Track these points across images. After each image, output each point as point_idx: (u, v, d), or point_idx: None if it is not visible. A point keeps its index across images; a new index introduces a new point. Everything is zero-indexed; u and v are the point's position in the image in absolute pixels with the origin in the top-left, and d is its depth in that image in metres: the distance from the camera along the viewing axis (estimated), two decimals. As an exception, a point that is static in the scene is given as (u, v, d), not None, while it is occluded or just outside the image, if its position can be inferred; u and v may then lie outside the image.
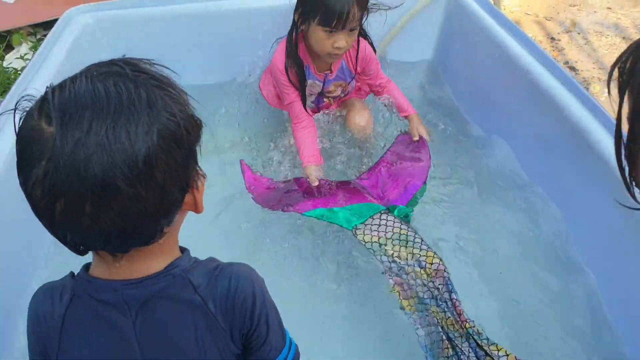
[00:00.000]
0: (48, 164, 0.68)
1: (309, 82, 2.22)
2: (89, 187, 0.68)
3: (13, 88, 1.99)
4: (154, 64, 0.81)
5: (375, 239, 1.69)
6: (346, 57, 2.21)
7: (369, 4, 2.04)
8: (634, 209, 0.77)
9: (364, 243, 1.71)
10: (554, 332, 1.73)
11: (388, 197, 1.95)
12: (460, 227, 2.09)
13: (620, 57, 0.72)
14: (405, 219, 1.81)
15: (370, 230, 1.73)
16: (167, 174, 0.73)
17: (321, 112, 2.38)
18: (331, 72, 2.22)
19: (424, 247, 1.64)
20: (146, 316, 0.82)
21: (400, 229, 1.70)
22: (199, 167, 0.83)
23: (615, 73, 0.72)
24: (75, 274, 0.85)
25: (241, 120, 2.56)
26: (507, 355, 1.35)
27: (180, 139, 0.75)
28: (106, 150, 0.68)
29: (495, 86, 2.42)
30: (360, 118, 2.32)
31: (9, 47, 3.80)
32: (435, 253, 1.63)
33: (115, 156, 0.68)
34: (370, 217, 1.78)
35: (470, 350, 1.36)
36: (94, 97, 0.70)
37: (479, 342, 1.38)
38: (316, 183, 2.00)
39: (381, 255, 1.65)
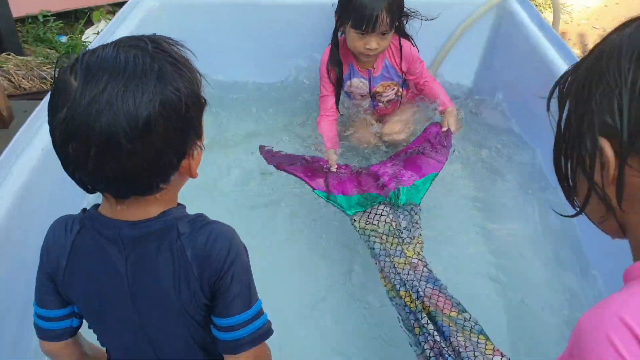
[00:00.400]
0: (67, 112, 0.82)
1: (355, 81, 2.37)
2: (95, 136, 0.80)
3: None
4: (177, 44, 0.93)
5: (369, 227, 1.84)
6: (389, 56, 2.33)
7: (404, 9, 2.20)
8: (569, 216, 0.83)
9: (358, 229, 1.86)
10: (559, 333, 1.76)
11: (399, 178, 2.04)
12: (476, 218, 2.19)
13: (562, 76, 0.79)
14: (412, 205, 1.93)
15: (367, 218, 1.88)
16: (163, 138, 0.84)
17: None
18: (374, 69, 2.33)
19: (407, 241, 1.78)
20: (136, 254, 0.93)
21: (392, 221, 1.84)
22: (199, 140, 0.93)
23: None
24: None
25: (266, 120, 2.68)
26: (487, 345, 1.42)
27: (179, 111, 0.85)
28: (114, 108, 0.80)
29: (539, 101, 2.42)
30: (394, 125, 2.42)
31: (89, 23, 4.08)
32: (416, 250, 1.75)
33: (120, 115, 0.80)
34: (370, 207, 1.92)
35: (436, 332, 1.46)
36: (114, 63, 0.84)
37: (451, 324, 1.47)
38: (334, 168, 2.16)
39: (373, 242, 1.79)
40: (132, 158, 0.83)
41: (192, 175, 0.95)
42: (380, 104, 2.46)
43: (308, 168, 2.14)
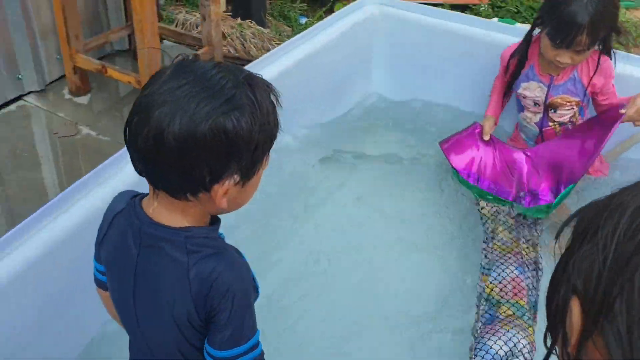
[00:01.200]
0: (148, 90, 0.91)
1: (532, 84, 2.17)
2: (152, 120, 0.87)
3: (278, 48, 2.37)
4: (270, 88, 0.96)
5: (488, 214, 2.14)
6: (580, 68, 2.11)
7: (615, 25, 1.99)
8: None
9: (479, 209, 2.17)
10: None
11: (535, 188, 2.11)
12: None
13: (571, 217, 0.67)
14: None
15: (490, 207, 2.15)
16: (203, 153, 0.88)
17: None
18: (558, 76, 2.12)
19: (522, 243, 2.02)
20: (146, 254, 0.98)
21: (512, 230, 2.07)
22: (240, 174, 0.93)
23: None
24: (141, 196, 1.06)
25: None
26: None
27: (230, 139, 0.88)
28: (177, 105, 0.87)
29: None
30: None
31: (329, 12, 4.32)
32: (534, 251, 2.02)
33: (177, 113, 0.87)
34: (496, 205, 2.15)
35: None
36: (204, 72, 0.91)
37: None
38: (487, 138, 2.19)
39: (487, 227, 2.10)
40: (169, 155, 0.88)
41: (217, 202, 0.93)
42: (549, 125, 2.22)
43: (460, 139, 2.23)
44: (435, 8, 2.77)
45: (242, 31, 3.87)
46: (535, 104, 2.20)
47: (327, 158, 2.53)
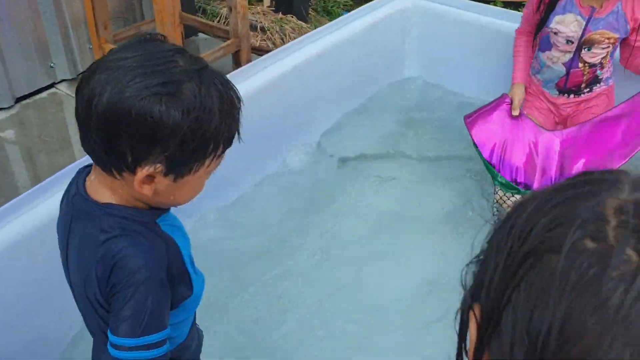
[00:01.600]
0: (105, 57, 0.89)
1: (569, 17, 1.95)
2: (91, 85, 0.84)
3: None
4: (229, 85, 0.91)
5: (500, 200, 2.04)
6: (625, 3, 1.89)
7: None
8: None
9: (495, 193, 2.06)
10: None
11: (564, 174, 1.93)
12: None
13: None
14: None
15: (507, 197, 2.03)
16: (123, 128, 0.83)
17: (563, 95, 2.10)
18: (601, 8, 1.90)
19: None
20: (74, 227, 0.95)
21: None
22: (166, 165, 0.87)
23: None
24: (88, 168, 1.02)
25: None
26: None
27: (151, 122, 0.83)
28: (115, 75, 0.84)
29: None
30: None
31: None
32: None
33: (111, 83, 0.83)
34: (517, 192, 1.99)
35: None
36: (158, 50, 0.87)
37: None
38: (516, 113, 2.02)
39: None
40: (96, 124, 0.84)
41: (136, 186, 0.88)
42: (579, 67, 2.00)
43: (486, 114, 2.06)
44: (468, 1, 2.60)
45: (282, 26, 3.80)
46: (568, 41, 1.97)
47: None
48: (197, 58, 0.91)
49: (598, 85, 2.05)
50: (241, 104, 0.93)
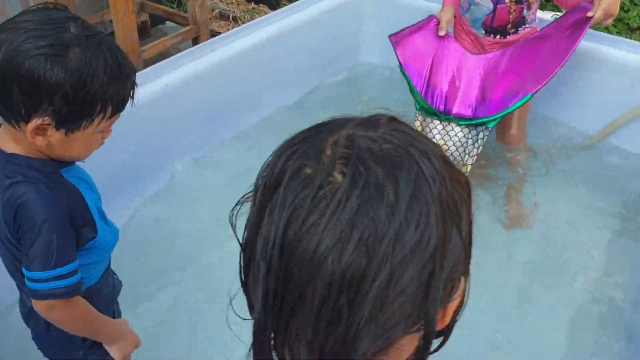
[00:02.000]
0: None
1: None
2: None
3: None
4: (114, 47, 1.02)
5: (420, 127, 2.03)
6: None
7: None
8: None
9: (415, 118, 2.04)
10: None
11: (486, 97, 1.95)
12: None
13: None
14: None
15: (427, 123, 2.03)
16: (15, 83, 0.92)
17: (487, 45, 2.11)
18: None
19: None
20: None
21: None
22: (57, 120, 0.96)
23: None
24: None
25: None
26: None
27: (37, 79, 0.92)
28: (9, 35, 0.93)
29: None
30: (512, 128, 2.15)
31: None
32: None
33: (7, 42, 0.92)
34: (437, 118, 2.01)
35: None
36: (54, 16, 0.97)
37: None
38: (442, 33, 2.01)
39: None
40: None
41: (29, 136, 0.96)
42: (505, 2, 1.98)
43: (413, 32, 2.06)
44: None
45: (253, 15, 3.84)
46: None
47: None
48: (90, 27, 1.01)
49: (523, 27, 2.06)
50: (133, 73, 1.03)
